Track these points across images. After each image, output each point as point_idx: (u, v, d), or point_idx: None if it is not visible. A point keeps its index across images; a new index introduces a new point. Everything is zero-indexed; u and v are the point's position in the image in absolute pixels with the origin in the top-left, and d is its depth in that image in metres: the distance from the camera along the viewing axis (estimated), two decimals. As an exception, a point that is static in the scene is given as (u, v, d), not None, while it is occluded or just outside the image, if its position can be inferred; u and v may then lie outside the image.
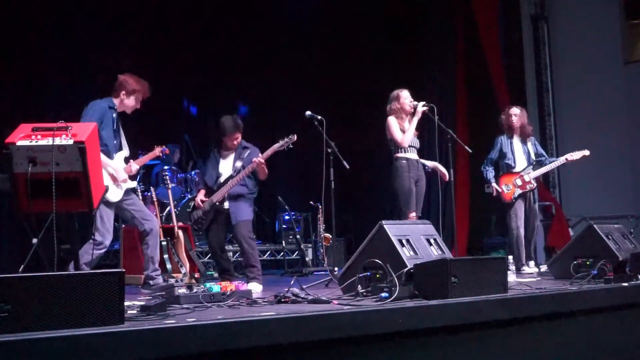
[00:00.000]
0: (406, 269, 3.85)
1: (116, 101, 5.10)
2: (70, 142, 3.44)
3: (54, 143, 3.42)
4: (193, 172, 8.46)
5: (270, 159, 5.57)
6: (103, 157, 4.77)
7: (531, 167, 6.99)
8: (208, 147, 6.43)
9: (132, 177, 5.20)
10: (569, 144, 9.85)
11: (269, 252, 9.14)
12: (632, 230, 7.40)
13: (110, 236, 4.96)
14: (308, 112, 5.98)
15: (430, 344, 3.32)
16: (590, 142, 9.36)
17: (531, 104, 10.07)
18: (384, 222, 4.22)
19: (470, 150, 6.82)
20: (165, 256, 6.11)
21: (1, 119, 7.01)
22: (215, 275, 6.39)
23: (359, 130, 9.87)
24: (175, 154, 9.02)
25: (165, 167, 8.21)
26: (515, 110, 7.13)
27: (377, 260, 4.01)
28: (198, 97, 9.92)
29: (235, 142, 5.70)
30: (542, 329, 3.83)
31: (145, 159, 5.75)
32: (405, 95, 6.24)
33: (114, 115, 5.05)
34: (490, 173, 7.06)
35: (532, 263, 6.95)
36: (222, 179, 5.69)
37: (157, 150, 5.79)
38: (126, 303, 2.91)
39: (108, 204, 4.90)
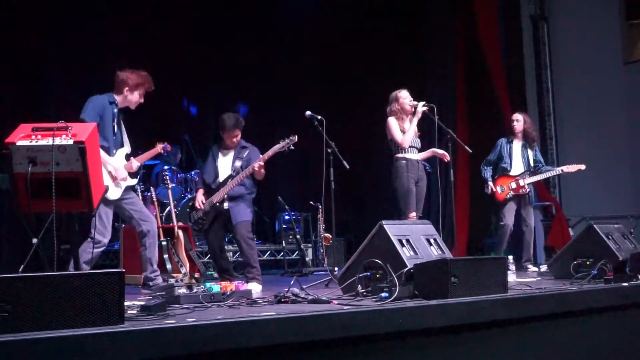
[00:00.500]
0: (406, 269, 3.85)
1: (118, 97, 5.03)
2: (70, 142, 3.44)
3: (54, 143, 3.42)
4: (193, 172, 8.46)
5: (270, 158, 5.57)
6: (103, 154, 4.71)
7: (528, 172, 7.11)
8: (208, 147, 6.43)
9: (132, 175, 5.16)
10: (569, 144, 9.87)
11: (269, 252, 9.14)
12: (632, 230, 7.41)
13: (109, 234, 4.92)
14: (308, 112, 5.98)
15: (430, 344, 3.32)
16: (590, 142, 9.40)
17: (531, 104, 10.07)
18: (384, 222, 4.22)
19: (470, 150, 6.85)
20: (165, 256, 6.10)
21: (1, 119, 7.02)
22: (215, 275, 6.39)
23: (359, 130, 9.86)
24: (177, 154, 9.02)
25: (165, 167, 8.22)
26: (517, 116, 7.37)
27: (377, 260, 4.01)
28: (198, 97, 9.92)
29: (234, 140, 5.70)
30: (542, 329, 3.83)
31: (146, 156, 5.72)
32: (404, 96, 6.24)
33: (115, 110, 4.97)
34: (488, 173, 7.29)
35: (530, 264, 7.00)
36: (221, 178, 5.70)
37: (159, 147, 5.77)
38: (126, 303, 2.90)
39: (107, 201, 4.82)
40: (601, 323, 4.15)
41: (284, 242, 8.95)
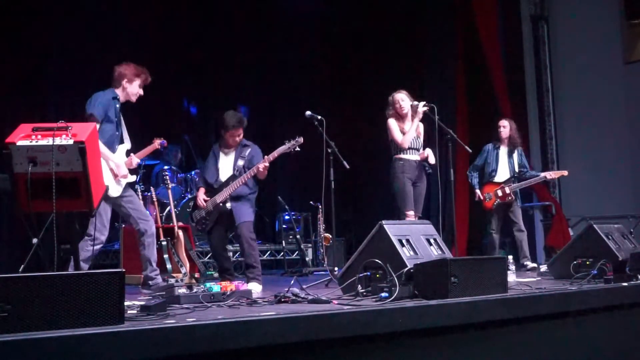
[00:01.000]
0: (406, 269, 3.85)
1: (119, 91, 5.04)
2: (71, 142, 3.44)
3: (54, 143, 3.42)
4: (193, 172, 8.46)
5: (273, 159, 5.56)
6: (105, 150, 4.74)
7: (513, 178, 7.23)
8: (208, 147, 6.42)
9: (132, 172, 5.16)
10: (569, 144, 9.86)
11: (269, 252, 9.14)
12: (632, 230, 7.42)
13: (107, 231, 4.93)
14: (308, 112, 5.98)
15: (430, 344, 3.32)
16: (590, 142, 9.40)
17: (531, 104, 10.06)
18: (384, 222, 4.22)
19: (470, 150, 6.89)
20: (165, 256, 6.10)
21: (1, 119, 7.02)
22: (215, 275, 6.39)
23: (359, 130, 9.87)
24: (177, 155, 9.02)
25: (165, 167, 8.22)
26: (503, 122, 7.52)
27: (377, 260, 4.01)
28: (198, 97, 9.92)
29: (237, 139, 5.67)
30: (542, 329, 3.83)
31: (144, 152, 5.71)
32: (401, 98, 6.23)
33: (117, 106, 5.00)
34: (475, 179, 7.50)
35: (527, 261, 7.08)
36: (222, 178, 5.68)
37: (156, 143, 5.76)
38: (126, 303, 2.91)
39: (106, 198, 4.80)
40: (601, 323, 4.15)
41: (284, 242, 8.96)
